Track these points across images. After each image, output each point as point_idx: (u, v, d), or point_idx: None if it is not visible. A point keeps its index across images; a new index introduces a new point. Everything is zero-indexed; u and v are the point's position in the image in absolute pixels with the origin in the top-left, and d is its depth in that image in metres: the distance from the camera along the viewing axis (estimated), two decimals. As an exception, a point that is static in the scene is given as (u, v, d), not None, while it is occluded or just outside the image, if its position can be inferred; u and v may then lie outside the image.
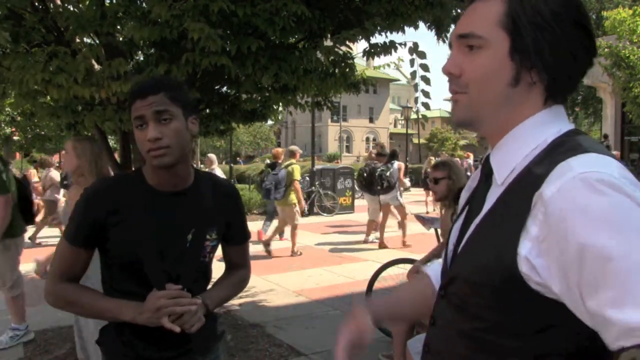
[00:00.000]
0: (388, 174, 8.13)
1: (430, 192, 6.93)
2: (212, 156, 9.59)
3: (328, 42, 3.95)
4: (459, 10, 4.04)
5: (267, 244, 7.93)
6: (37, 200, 11.82)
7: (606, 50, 13.34)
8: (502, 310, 0.84)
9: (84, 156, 3.01)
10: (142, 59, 4.29)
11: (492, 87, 0.88)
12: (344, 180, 13.94)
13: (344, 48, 4.14)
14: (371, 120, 59.77)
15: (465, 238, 0.92)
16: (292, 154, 8.22)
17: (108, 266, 1.53)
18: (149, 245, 1.45)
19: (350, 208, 13.87)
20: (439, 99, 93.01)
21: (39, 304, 3.82)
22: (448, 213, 3.39)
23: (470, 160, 16.72)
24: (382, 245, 8.54)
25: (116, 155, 4.55)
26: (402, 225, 8.61)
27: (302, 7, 3.17)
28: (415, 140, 45.97)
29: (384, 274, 4.34)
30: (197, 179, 1.57)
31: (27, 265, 6.85)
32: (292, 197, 7.80)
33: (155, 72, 3.27)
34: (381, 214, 8.72)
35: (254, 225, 10.71)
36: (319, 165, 15.85)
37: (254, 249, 8.09)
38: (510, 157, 0.89)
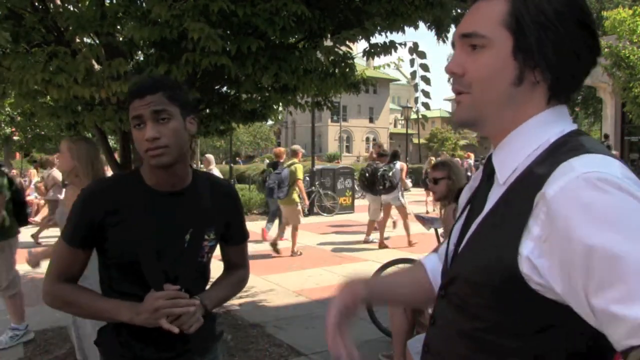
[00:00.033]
0: (390, 174, 8.17)
1: (431, 192, 6.92)
2: (210, 156, 9.60)
3: (328, 42, 3.95)
4: (459, 10, 4.04)
5: (274, 244, 7.96)
6: (38, 200, 11.87)
7: (606, 50, 13.32)
8: (503, 310, 0.84)
9: (79, 157, 2.99)
10: (142, 59, 4.29)
11: (495, 86, 0.88)
12: (344, 180, 13.94)
13: (344, 48, 4.14)
14: (371, 120, 59.75)
15: (466, 238, 0.92)
16: (294, 154, 8.28)
17: (106, 267, 1.52)
18: (147, 245, 1.45)
19: (350, 208, 13.87)
20: (439, 99, 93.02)
21: (38, 304, 3.82)
22: (450, 211, 3.38)
23: (471, 161, 16.62)
24: (382, 245, 8.54)
25: (116, 155, 4.55)
26: (404, 225, 8.64)
27: (302, 7, 3.17)
28: (415, 140, 45.97)
29: (383, 274, 4.34)
30: (195, 178, 1.56)
31: (27, 265, 6.86)
32: (295, 196, 7.87)
33: (155, 72, 3.27)
34: (381, 214, 8.74)
35: (254, 225, 10.72)
36: (319, 165, 15.86)
37: (254, 248, 8.09)
38: (512, 157, 0.88)
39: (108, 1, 3.53)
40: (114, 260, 1.48)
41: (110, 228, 1.44)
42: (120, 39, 3.80)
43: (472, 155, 17.71)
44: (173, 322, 1.39)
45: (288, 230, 8.21)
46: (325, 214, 13.15)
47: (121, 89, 3.23)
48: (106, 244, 1.47)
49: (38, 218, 10.50)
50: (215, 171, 8.99)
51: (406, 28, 3.93)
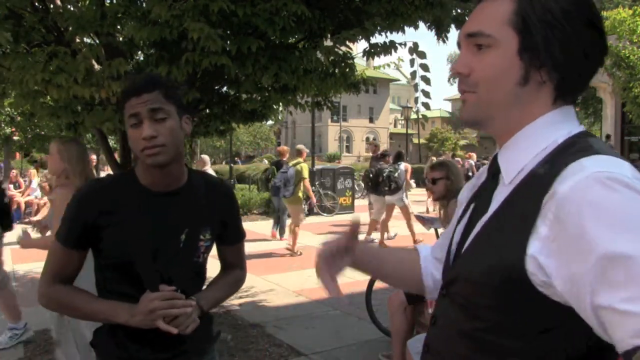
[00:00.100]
0: (396, 174, 8.21)
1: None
2: (205, 157, 9.61)
3: (328, 42, 3.95)
4: (459, 10, 4.04)
5: (290, 249, 7.98)
6: (38, 200, 11.88)
7: (606, 50, 13.27)
8: (505, 310, 0.84)
9: (69, 159, 2.97)
10: (142, 59, 4.29)
11: (501, 86, 0.87)
12: (344, 180, 13.94)
13: (344, 48, 4.14)
14: (371, 120, 59.74)
15: (471, 238, 0.92)
16: (299, 153, 8.34)
17: (102, 268, 1.51)
18: (142, 245, 1.44)
19: (350, 208, 13.86)
20: (439, 99, 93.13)
21: (37, 304, 3.81)
22: (452, 205, 3.37)
23: (472, 161, 16.28)
24: (382, 245, 8.55)
25: (116, 155, 4.55)
26: (408, 225, 8.67)
27: (302, 7, 3.17)
28: (415, 140, 45.98)
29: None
30: (191, 178, 1.55)
31: (27, 265, 6.87)
32: (300, 195, 7.96)
33: (155, 73, 3.27)
34: (384, 214, 8.76)
35: (254, 225, 10.73)
36: (319, 165, 15.85)
37: (254, 248, 8.10)
38: (519, 157, 0.88)
39: (108, 1, 3.53)
40: (109, 261, 1.47)
41: (105, 228, 1.43)
42: (120, 39, 3.80)
43: (474, 156, 17.43)
44: (169, 324, 1.38)
45: (288, 231, 8.23)
46: (325, 214, 13.15)
47: (121, 89, 3.23)
48: (101, 245, 1.45)
49: (38, 218, 10.49)
50: (210, 172, 9.01)
51: (406, 28, 3.93)
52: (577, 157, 0.79)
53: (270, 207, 12.16)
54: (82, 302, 1.48)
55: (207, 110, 4.63)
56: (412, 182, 10.56)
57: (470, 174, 13.42)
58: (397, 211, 8.95)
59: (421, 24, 4.02)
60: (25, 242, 3.23)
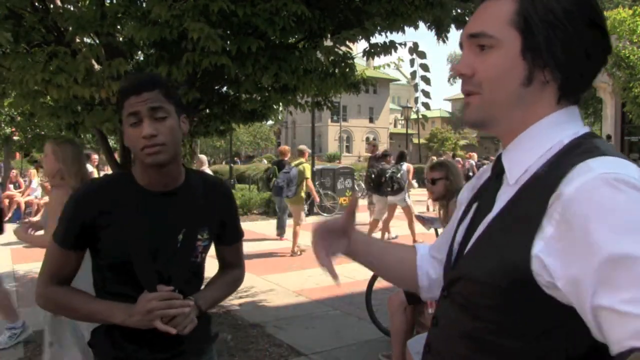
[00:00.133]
0: (399, 175, 8.22)
1: (431, 192, 6.94)
2: (203, 157, 9.60)
3: (328, 42, 3.95)
4: (459, 10, 4.04)
5: (295, 250, 7.99)
6: (38, 200, 11.88)
7: (606, 50, 13.27)
8: (507, 311, 0.83)
9: (64, 159, 2.95)
10: (142, 59, 4.29)
11: (504, 86, 0.87)
12: (344, 180, 13.94)
13: (344, 48, 4.14)
14: (371, 120, 59.75)
15: (474, 238, 0.91)
16: (301, 153, 8.36)
17: (99, 268, 1.50)
18: (140, 245, 1.43)
19: (350, 208, 13.85)
20: (439, 99, 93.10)
21: (35, 304, 3.80)
22: (452, 205, 3.38)
23: (473, 161, 16.21)
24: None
25: (116, 155, 4.55)
26: (409, 226, 8.68)
27: (302, 7, 3.17)
28: (415, 140, 45.96)
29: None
30: (188, 178, 1.54)
31: (27, 265, 6.87)
32: (302, 195, 8.00)
33: (155, 72, 3.27)
34: (385, 214, 8.77)
35: (254, 225, 10.73)
36: (319, 165, 15.85)
37: (254, 248, 8.10)
38: (523, 157, 0.88)
39: (108, 1, 3.53)
40: (107, 261, 1.47)
41: (103, 229, 1.43)
42: (120, 39, 3.80)
43: (474, 156, 17.37)
44: (167, 324, 1.37)
45: (288, 231, 8.23)
46: (325, 214, 13.15)
47: (119, 88, 3.23)
48: (98, 245, 1.45)
49: (37, 218, 10.49)
50: (208, 172, 9.01)
51: (406, 28, 3.93)
52: (583, 158, 0.78)
53: (270, 207, 12.17)
54: (80, 302, 1.47)
55: (207, 110, 4.63)
56: (414, 182, 10.56)
57: (470, 174, 13.40)
58: (398, 211, 8.95)
59: (421, 24, 4.02)
60: (20, 233, 3.21)
